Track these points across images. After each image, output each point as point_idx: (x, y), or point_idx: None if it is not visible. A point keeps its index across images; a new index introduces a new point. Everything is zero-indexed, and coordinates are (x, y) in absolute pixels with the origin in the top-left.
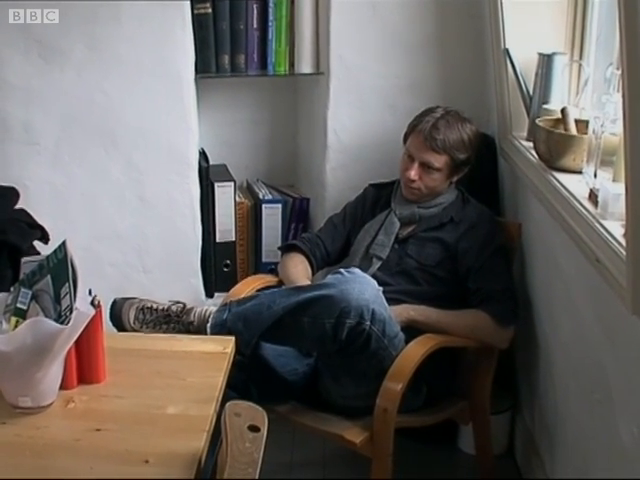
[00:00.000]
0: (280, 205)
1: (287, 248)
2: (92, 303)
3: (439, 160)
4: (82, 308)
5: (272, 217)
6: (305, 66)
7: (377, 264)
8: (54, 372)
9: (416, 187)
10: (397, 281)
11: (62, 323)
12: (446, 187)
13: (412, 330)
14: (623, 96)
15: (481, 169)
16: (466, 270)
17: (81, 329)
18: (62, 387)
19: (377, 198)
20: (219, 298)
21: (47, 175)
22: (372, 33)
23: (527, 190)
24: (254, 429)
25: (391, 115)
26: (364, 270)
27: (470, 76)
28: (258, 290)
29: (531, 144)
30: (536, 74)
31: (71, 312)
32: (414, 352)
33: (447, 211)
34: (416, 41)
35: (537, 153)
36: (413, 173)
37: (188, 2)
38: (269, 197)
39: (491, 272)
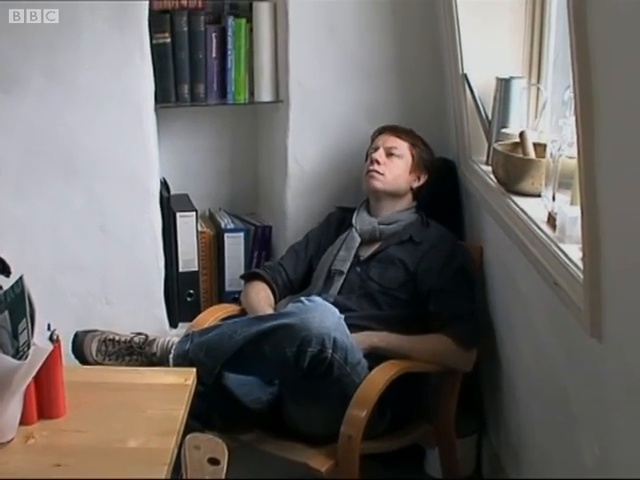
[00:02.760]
0: (242, 234)
1: (249, 276)
2: (50, 338)
3: (402, 146)
4: (40, 343)
5: (234, 246)
6: (265, 94)
7: (339, 280)
8: (13, 408)
9: (380, 171)
10: (360, 305)
11: (20, 359)
12: (406, 192)
13: (375, 356)
14: (576, 119)
15: (442, 193)
16: (427, 292)
17: (39, 365)
18: (22, 422)
19: (341, 220)
20: (183, 328)
21: (8, 206)
22: (331, 60)
23: (487, 214)
24: (214, 462)
25: (352, 141)
26: (327, 289)
27: (429, 101)
28: (222, 319)
29: (490, 168)
30: (494, 98)
31: (29, 348)
32: (378, 379)
33: (407, 230)
34: (375, 66)
35: (496, 177)
36: (378, 154)
37: (147, 31)
38: (231, 226)
39: (452, 294)
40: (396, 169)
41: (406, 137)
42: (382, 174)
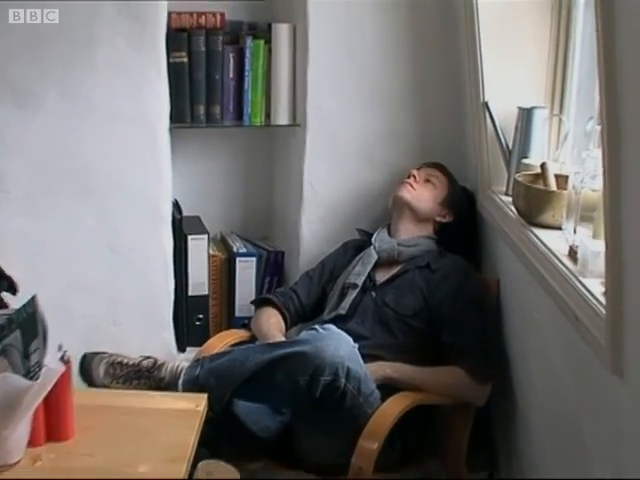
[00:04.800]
0: (254, 258)
1: (260, 302)
2: (62, 358)
3: (442, 178)
4: (51, 364)
5: (246, 270)
6: (282, 117)
7: (352, 294)
8: (22, 429)
9: (413, 185)
10: (373, 332)
11: (31, 379)
12: (428, 219)
13: (387, 386)
14: (603, 152)
15: (460, 223)
16: (440, 322)
17: (50, 386)
18: (29, 444)
19: (359, 247)
20: (191, 352)
21: (18, 224)
22: (349, 85)
23: (505, 245)
24: None
25: (368, 167)
26: (340, 303)
27: (448, 128)
28: (232, 345)
29: (510, 199)
30: (516, 128)
31: (40, 368)
32: (390, 410)
33: (425, 257)
34: (394, 93)
35: (516, 208)
36: (417, 173)
37: (164, 50)
38: (243, 250)
39: (466, 325)
40: (427, 193)
41: (448, 175)
42: (414, 189)
